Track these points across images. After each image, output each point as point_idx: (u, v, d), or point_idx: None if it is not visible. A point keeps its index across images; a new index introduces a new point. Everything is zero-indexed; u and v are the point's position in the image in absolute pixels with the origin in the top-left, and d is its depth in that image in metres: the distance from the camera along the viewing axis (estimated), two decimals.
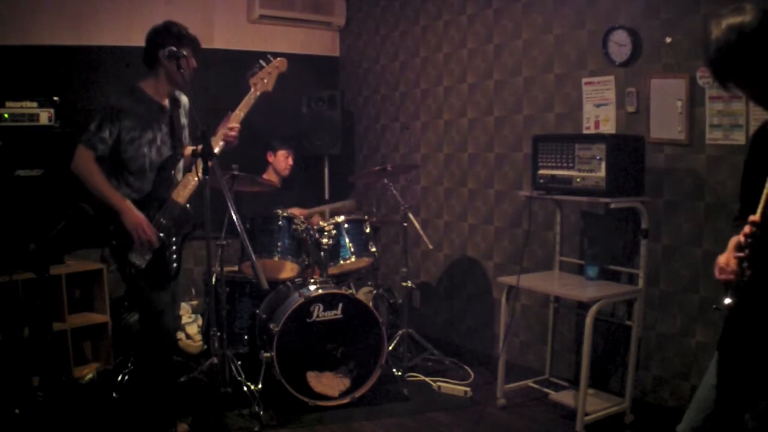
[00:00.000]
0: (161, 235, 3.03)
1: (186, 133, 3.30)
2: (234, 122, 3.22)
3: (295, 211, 4.49)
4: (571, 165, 3.40)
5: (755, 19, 1.65)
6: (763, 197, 1.61)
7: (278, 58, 3.43)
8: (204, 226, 2.76)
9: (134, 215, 2.94)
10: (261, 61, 3.38)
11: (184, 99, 3.27)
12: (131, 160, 3.03)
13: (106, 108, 3.00)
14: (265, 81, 3.35)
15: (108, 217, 2.97)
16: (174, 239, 3.07)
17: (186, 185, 3.11)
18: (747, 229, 1.66)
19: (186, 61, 2.90)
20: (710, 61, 1.71)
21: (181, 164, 3.22)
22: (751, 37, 1.64)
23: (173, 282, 3.09)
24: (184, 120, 3.25)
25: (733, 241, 1.75)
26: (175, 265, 3.06)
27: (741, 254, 1.69)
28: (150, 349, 3.13)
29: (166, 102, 3.15)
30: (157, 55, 3.01)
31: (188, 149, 3.24)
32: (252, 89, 3.32)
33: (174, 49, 2.87)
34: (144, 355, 3.22)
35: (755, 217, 1.64)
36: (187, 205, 3.14)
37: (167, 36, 3.00)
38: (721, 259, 1.78)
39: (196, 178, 3.06)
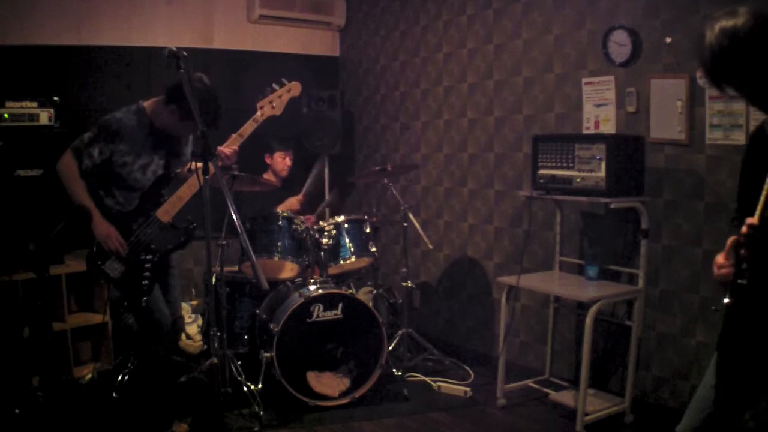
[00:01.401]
0: (136, 249, 3.05)
1: (187, 149, 3.30)
2: (233, 145, 3.22)
3: (293, 201, 4.51)
4: (571, 165, 3.40)
5: (747, 22, 1.65)
6: (762, 199, 1.61)
7: (292, 82, 3.37)
8: (199, 229, 2.77)
9: (103, 226, 3.00)
10: (274, 85, 3.33)
11: None
12: (120, 180, 3.06)
13: (106, 125, 3.02)
14: (274, 105, 3.31)
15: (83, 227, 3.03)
16: (150, 256, 3.09)
17: (174, 204, 3.12)
18: (744, 229, 1.66)
19: (185, 61, 2.87)
20: (705, 66, 1.72)
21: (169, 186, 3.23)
22: (744, 41, 1.64)
23: (149, 294, 3.10)
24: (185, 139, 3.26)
25: (731, 240, 1.75)
26: (146, 282, 3.07)
27: (739, 253, 1.69)
28: (148, 347, 3.15)
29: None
30: (169, 108, 2.97)
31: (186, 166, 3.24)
32: (258, 112, 3.27)
33: (174, 49, 2.85)
34: (143, 353, 3.23)
35: (753, 219, 1.63)
36: (171, 223, 3.17)
37: (185, 107, 2.83)
38: (719, 258, 1.78)
39: (191, 190, 3.07)
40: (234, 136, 3.24)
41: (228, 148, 3.22)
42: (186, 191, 3.11)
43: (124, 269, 3.06)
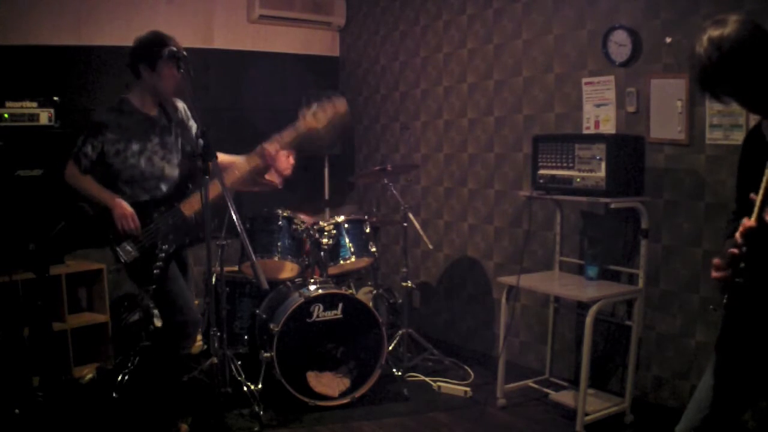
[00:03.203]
0: (154, 237, 3.05)
1: (186, 138, 3.30)
2: (273, 146, 3.19)
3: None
4: (571, 165, 3.40)
5: (735, 31, 1.66)
6: (758, 201, 1.61)
7: (340, 99, 3.26)
8: (204, 227, 2.77)
9: (122, 207, 3.02)
10: (324, 97, 3.23)
11: (179, 105, 3.28)
12: (121, 171, 3.09)
13: (90, 123, 3.08)
14: (317, 117, 3.20)
15: (105, 216, 3.03)
16: (165, 246, 3.09)
17: (198, 200, 3.11)
18: (741, 230, 1.65)
19: (185, 64, 2.88)
20: (697, 78, 1.73)
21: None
22: (732, 50, 1.65)
23: (156, 285, 3.10)
24: (185, 124, 3.26)
25: (728, 243, 1.76)
26: (157, 270, 3.07)
27: (736, 250, 1.69)
28: (175, 344, 3.16)
29: (155, 112, 3.16)
30: (138, 68, 3.04)
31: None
32: (300, 121, 3.19)
33: (174, 49, 2.87)
34: (169, 351, 3.23)
35: (750, 222, 1.63)
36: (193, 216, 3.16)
37: (145, 52, 2.97)
38: (717, 261, 1.78)
39: (217, 188, 3.05)
40: (276, 137, 3.19)
41: (271, 146, 3.18)
42: (214, 189, 3.10)
43: (138, 255, 3.07)
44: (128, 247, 3.06)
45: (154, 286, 3.09)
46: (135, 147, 3.07)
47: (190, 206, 3.12)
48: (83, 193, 3.09)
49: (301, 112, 3.24)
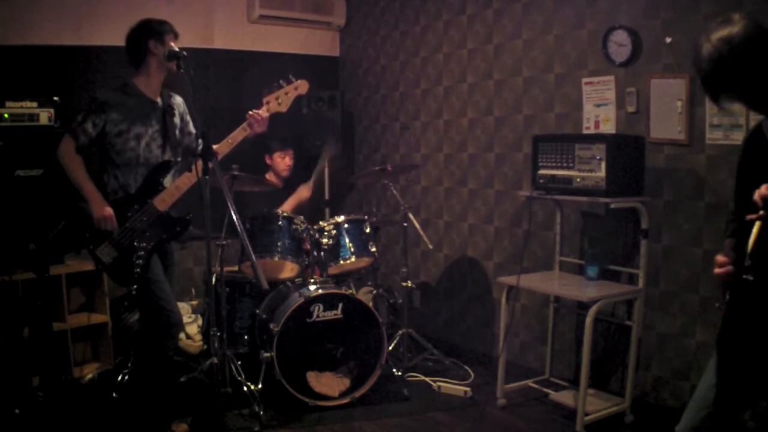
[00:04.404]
0: (130, 236, 3.05)
1: (183, 132, 3.31)
2: (238, 138, 3.22)
3: (303, 189, 4.52)
4: (571, 165, 3.40)
5: (742, 29, 1.68)
6: None
7: (300, 80, 3.34)
8: (199, 228, 2.77)
9: (101, 205, 3.02)
10: (281, 81, 3.31)
11: (178, 100, 3.28)
12: (119, 154, 3.08)
13: (93, 100, 3.08)
14: (280, 101, 3.29)
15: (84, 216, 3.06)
16: (144, 244, 3.09)
17: (171, 193, 3.12)
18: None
19: (185, 61, 2.88)
20: (703, 76, 1.73)
21: (170, 174, 3.23)
22: (741, 47, 1.66)
23: (137, 285, 3.10)
24: (177, 121, 3.26)
25: (729, 242, 1.75)
26: (137, 270, 3.07)
27: (742, 248, 1.68)
28: (160, 344, 3.16)
29: (159, 99, 3.16)
30: (147, 46, 3.07)
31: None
32: (263, 107, 3.26)
33: (175, 49, 2.88)
34: (145, 352, 3.23)
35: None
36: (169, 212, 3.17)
37: (151, 28, 3.07)
38: (720, 257, 1.78)
39: (189, 180, 3.08)
40: (241, 127, 3.24)
41: (259, 114, 3.22)
42: (185, 181, 3.12)
43: (117, 255, 3.07)
44: (106, 249, 3.07)
45: (135, 287, 3.09)
46: (136, 130, 3.09)
47: (163, 201, 3.12)
48: (68, 173, 3.07)
49: (265, 98, 3.27)
